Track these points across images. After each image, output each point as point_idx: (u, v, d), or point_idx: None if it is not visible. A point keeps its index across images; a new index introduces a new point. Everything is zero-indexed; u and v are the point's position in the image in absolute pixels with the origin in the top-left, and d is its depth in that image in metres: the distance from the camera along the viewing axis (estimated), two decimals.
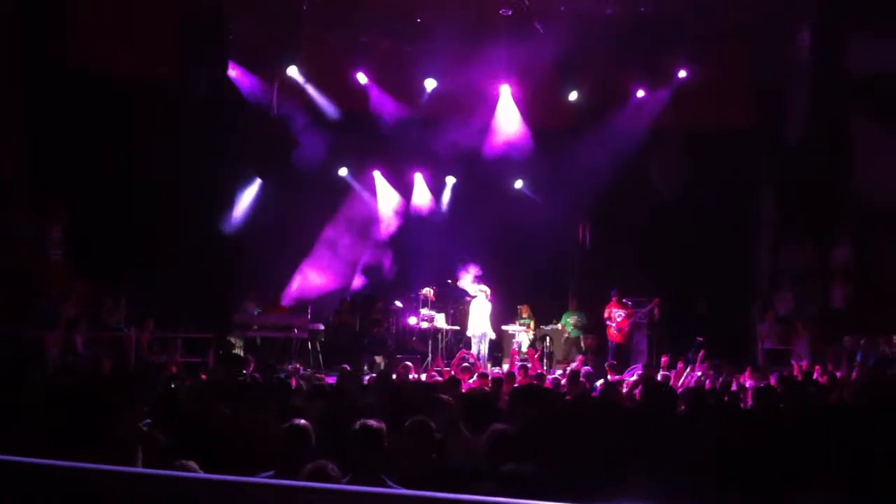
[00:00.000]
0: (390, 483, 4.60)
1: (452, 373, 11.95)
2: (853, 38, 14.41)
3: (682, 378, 11.09)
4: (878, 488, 5.71)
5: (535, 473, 4.94)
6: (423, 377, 12.62)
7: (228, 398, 7.15)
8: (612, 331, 15.72)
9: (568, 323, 16.57)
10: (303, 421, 5.02)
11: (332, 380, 10.05)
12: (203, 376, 9.62)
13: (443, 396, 6.81)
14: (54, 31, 13.72)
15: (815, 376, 11.09)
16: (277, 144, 16.61)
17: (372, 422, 4.81)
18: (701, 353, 12.06)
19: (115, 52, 14.20)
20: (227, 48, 15.72)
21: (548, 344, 16.51)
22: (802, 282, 15.80)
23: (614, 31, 15.26)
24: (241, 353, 13.79)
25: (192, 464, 4.32)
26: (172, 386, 8.32)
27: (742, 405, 8.62)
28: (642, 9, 15.08)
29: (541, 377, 10.62)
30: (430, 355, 15.48)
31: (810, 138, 15.31)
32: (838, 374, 11.36)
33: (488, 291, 15.81)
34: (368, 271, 17.92)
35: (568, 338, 16.52)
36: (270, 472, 4.79)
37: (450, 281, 16.59)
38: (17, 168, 13.31)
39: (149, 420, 4.41)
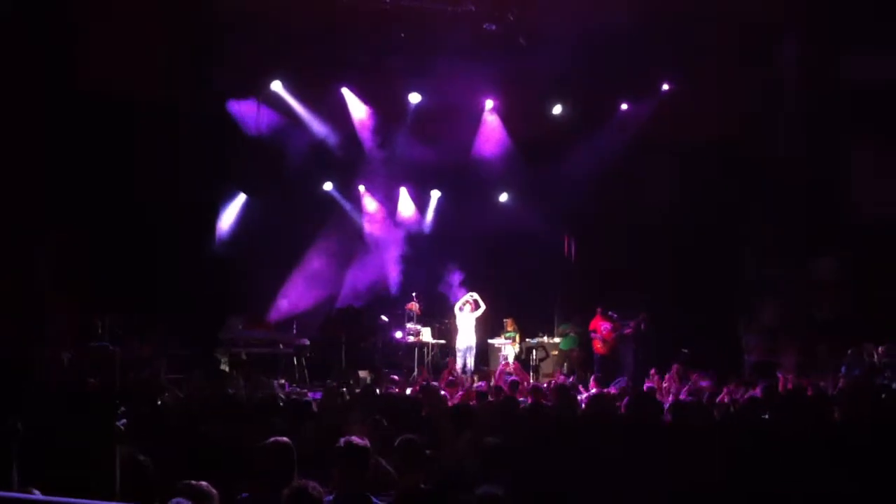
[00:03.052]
0: (376, 502, 4.55)
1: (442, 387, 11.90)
2: (839, 51, 14.50)
3: (667, 386, 11.11)
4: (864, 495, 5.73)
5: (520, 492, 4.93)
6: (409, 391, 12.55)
7: (214, 415, 7.10)
8: (598, 343, 15.83)
9: (567, 335, 16.61)
10: (284, 438, 4.96)
11: (317, 395, 10.01)
12: (188, 393, 9.53)
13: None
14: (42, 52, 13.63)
15: (802, 387, 11.10)
16: (262, 159, 16.55)
17: (356, 439, 4.76)
18: (675, 368, 12.08)
19: (99, 72, 14.08)
20: (212, 64, 15.67)
21: (534, 357, 16.52)
22: (788, 294, 15.84)
23: (598, 45, 15.28)
24: (227, 370, 13.68)
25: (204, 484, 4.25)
26: (159, 402, 8.25)
27: (728, 416, 8.62)
28: (625, 21, 15.14)
29: (537, 391, 10.54)
30: (416, 369, 15.45)
31: (796, 151, 15.41)
32: (821, 384, 11.37)
33: (476, 296, 15.83)
34: (353, 286, 17.85)
35: (560, 350, 16.54)
36: (246, 495, 4.73)
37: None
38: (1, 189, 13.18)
39: (124, 420, 4.34)
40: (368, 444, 4.78)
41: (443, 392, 10.29)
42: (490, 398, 9.78)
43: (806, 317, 15.45)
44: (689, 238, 16.46)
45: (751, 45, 15.25)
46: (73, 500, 3.28)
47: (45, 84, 13.66)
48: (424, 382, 11.26)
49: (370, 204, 18.36)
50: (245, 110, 16.48)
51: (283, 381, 12.85)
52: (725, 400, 9.86)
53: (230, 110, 16.25)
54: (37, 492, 3.94)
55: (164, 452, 5.19)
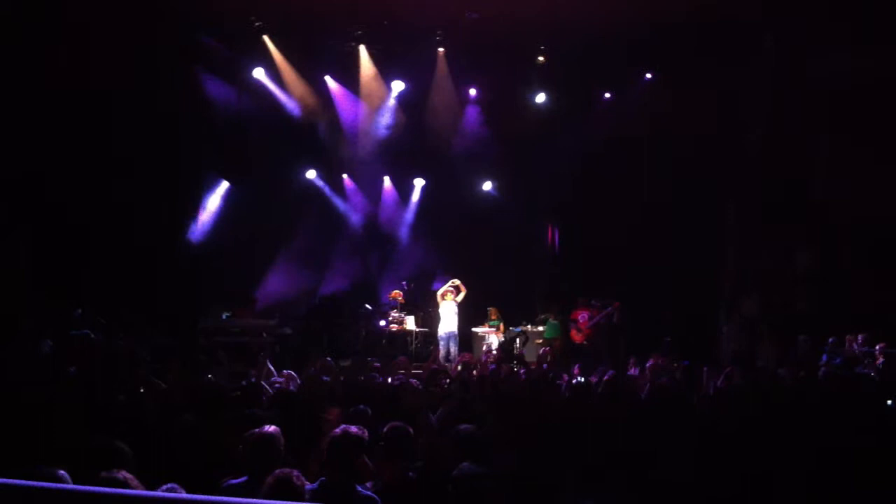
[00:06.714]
0: (361, 490, 4.54)
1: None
2: (815, 47, 14.56)
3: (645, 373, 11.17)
4: (844, 484, 5.80)
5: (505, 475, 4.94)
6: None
7: (196, 406, 7.07)
8: (574, 332, 15.94)
9: (550, 324, 16.64)
10: (271, 428, 4.92)
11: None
12: (170, 383, 9.49)
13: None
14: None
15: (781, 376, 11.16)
16: (244, 148, 16.48)
17: (353, 429, 4.74)
18: (654, 357, 12.12)
19: (82, 64, 13.93)
20: (192, 53, 15.57)
21: (517, 345, 16.54)
22: (767, 285, 15.92)
23: (581, 36, 15.28)
24: (208, 359, 13.60)
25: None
26: (141, 390, 8.21)
27: (708, 403, 8.67)
28: (605, 13, 15.13)
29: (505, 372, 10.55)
30: (398, 358, 15.44)
31: (775, 146, 15.48)
32: (801, 373, 11.45)
33: (458, 282, 15.83)
34: (337, 274, 17.82)
35: (544, 339, 16.57)
36: (244, 479, 4.71)
37: (405, 283, 16.65)
38: None
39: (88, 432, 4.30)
40: (365, 435, 4.76)
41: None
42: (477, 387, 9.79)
43: (786, 309, 15.53)
44: (671, 229, 16.50)
45: (729, 42, 15.29)
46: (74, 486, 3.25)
47: (29, 81, 13.54)
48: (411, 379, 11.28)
49: (353, 192, 18.33)
50: (227, 98, 16.39)
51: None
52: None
53: (211, 98, 16.16)
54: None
55: (143, 442, 5.16)
